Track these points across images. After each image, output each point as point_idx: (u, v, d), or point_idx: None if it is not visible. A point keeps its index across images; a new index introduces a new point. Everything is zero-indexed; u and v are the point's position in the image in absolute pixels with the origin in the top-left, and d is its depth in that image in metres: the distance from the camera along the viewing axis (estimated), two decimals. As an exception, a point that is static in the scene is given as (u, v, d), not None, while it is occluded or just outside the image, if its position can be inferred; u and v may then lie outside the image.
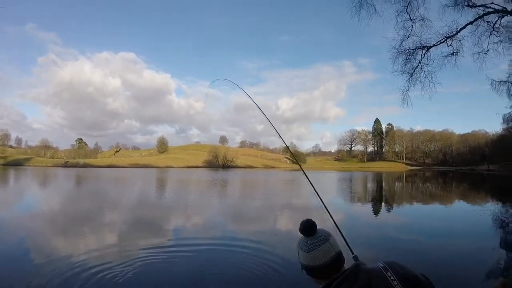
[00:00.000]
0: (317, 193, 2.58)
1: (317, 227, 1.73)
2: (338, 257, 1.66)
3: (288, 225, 12.85)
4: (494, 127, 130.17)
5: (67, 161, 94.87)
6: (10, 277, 6.73)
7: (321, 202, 2.53)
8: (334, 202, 20.65)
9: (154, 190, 30.08)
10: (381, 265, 1.58)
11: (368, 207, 19.03)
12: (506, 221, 14.25)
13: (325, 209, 2.51)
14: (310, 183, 2.65)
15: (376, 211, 16.48)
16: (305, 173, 2.82)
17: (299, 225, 1.73)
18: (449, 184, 42.86)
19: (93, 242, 9.65)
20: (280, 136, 3.33)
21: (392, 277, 1.50)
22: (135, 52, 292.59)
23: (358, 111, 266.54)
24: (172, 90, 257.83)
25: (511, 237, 4.17)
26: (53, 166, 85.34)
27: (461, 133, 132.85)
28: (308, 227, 1.70)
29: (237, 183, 40.01)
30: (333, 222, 2.39)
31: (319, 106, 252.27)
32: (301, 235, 1.74)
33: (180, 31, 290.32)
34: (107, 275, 6.78)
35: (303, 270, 1.72)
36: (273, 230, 11.61)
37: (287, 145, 3.15)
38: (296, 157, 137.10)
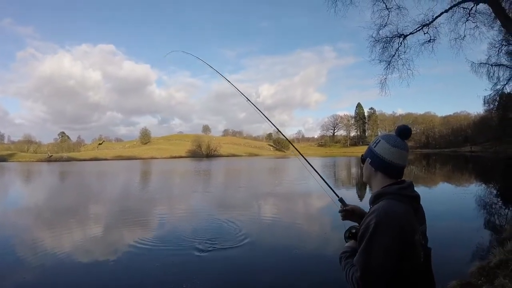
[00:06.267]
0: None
1: None
2: (403, 169, 1.83)
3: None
4: (476, 108, 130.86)
5: (51, 155, 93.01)
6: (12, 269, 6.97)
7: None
8: (317, 188, 21.06)
9: (158, 185, 30.12)
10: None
11: (353, 191, 19.50)
12: (489, 202, 14.79)
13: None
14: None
15: (361, 196, 16.93)
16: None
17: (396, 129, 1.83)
18: (433, 166, 43.73)
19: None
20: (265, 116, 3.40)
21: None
22: (114, 43, 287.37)
23: (339, 96, 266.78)
24: (152, 81, 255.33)
25: (494, 218, 4.44)
26: (37, 161, 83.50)
27: (443, 115, 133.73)
28: (407, 130, 1.82)
29: (237, 172, 40.21)
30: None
31: (300, 92, 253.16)
32: (390, 134, 1.85)
33: (158, 21, 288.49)
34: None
35: (372, 159, 1.84)
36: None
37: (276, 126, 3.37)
38: (279, 144, 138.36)
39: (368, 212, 1.72)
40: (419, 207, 1.75)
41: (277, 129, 3.62)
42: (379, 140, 1.84)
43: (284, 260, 7.60)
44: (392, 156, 1.76)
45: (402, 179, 1.79)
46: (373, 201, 1.75)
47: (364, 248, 1.58)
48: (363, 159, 1.91)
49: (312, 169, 3.01)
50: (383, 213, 1.59)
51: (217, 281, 6.43)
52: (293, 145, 4.00)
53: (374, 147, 1.84)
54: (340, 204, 2.23)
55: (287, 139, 4.11)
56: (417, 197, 1.73)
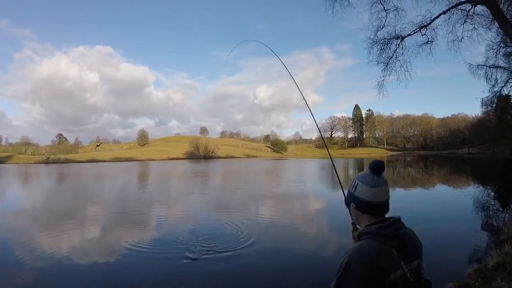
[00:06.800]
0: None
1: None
2: (388, 202, 1.84)
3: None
4: (474, 110, 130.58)
5: (49, 157, 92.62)
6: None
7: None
8: (315, 189, 21.14)
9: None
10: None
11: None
12: (487, 204, 14.80)
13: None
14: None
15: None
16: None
17: (370, 164, 1.84)
18: (430, 168, 43.81)
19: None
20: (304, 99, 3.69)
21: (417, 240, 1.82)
22: (111, 45, 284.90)
23: (337, 97, 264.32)
24: (150, 83, 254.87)
25: (491, 220, 4.41)
26: (34, 163, 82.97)
27: (441, 117, 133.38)
28: (380, 166, 1.83)
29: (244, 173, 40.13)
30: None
31: (297, 94, 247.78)
32: (364, 173, 1.86)
33: (156, 23, 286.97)
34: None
35: (356, 204, 1.85)
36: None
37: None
38: (277, 145, 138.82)
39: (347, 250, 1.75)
40: (407, 243, 1.73)
41: (318, 129, 3.71)
42: (357, 184, 1.86)
43: (283, 261, 7.62)
44: (374, 196, 1.79)
45: (387, 217, 1.81)
46: (357, 240, 1.79)
47: (334, 285, 1.63)
48: (347, 204, 1.95)
49: (337, 179, 3.15)
50: (354, 253, 1.63)
51: (216, 281, 6.43)
52: (326, 147, 4.13)
53: (354, 191, 1.87)
54: (352, 227, 2.19)
55: (324, 141, 4.23)
56: (398, 235, 1.72)
